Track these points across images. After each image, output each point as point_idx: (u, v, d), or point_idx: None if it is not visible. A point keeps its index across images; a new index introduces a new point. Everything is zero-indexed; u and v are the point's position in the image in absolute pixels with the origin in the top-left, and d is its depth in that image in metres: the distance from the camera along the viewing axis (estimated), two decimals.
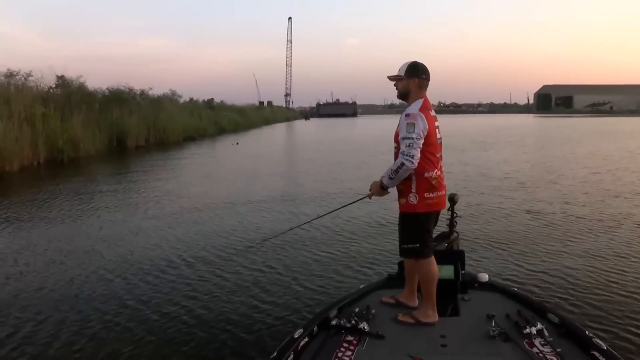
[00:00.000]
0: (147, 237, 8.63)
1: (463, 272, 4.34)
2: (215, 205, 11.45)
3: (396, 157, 3.67)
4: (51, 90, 25.79)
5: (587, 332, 3.36)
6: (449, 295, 4.10)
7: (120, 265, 7.07)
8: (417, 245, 3.71)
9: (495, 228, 8.97)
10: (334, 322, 3.59)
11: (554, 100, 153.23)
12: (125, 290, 6.09)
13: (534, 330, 3.35)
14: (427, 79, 3.80)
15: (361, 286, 4.66)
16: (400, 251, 3.88)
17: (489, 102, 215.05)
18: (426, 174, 3.64)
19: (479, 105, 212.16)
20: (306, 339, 3.40)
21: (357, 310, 3.76)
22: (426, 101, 3.73)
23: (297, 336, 3.38)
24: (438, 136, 3.74)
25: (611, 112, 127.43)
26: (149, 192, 13.37)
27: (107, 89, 31.48)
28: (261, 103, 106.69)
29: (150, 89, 37.26)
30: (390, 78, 3.87)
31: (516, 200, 11.49)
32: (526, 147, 27.13)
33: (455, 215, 5.44)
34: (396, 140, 3.71)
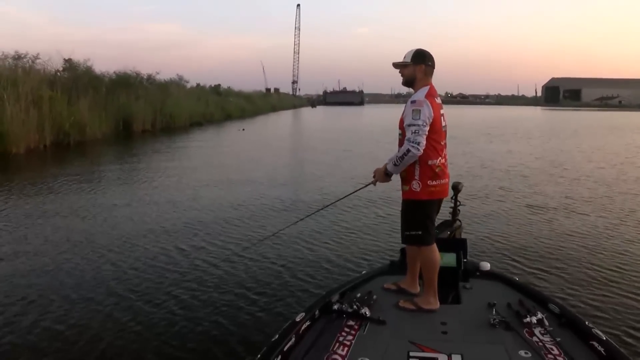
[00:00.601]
0: (144, 224, 8.54)
1: (465, 260, 4.35)
2: (218, 193, 11.45)
3: (400, 144, 3.68)
4: (58, 74, 25.78)
5: (586, 323, 3.37)
6: (451, 283, 4.11)
7: (113, 252, 6.99)
8: (420, 232, 3.72)
9: (498, 218, 9.01)
10: (335, 307, 3.61)
11: (562, 93, 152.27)
12: (114, 277, 6.02)
13: (534, 319, 3.36)
14: (433, 66, 3.79)
15: (363, 272, 4.69)
16: (402, 238, 3.89)
17: (497, 94, 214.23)
18: (430, 162, 3.64)
19: (487, 96, 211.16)
20: (308, 323, 3.43)
21: (359, 295, 3.78)
22: (432, 88, 3.72)
23: (299, 320, 3.40)
24: (443, 124, 3.74)
25: (620, 106, 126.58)
26: (152, 178, 13.37)
27: (114, 72, 31.53)
28: (268, 90, 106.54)
29: (157, 73, 37.24)
30: (396, 65, 3.86)
31: (520, 192, 11.50)
32: (532, 140, 27.03)
33: (458, 203, 5.45)
34: (401, 127, 3.72)
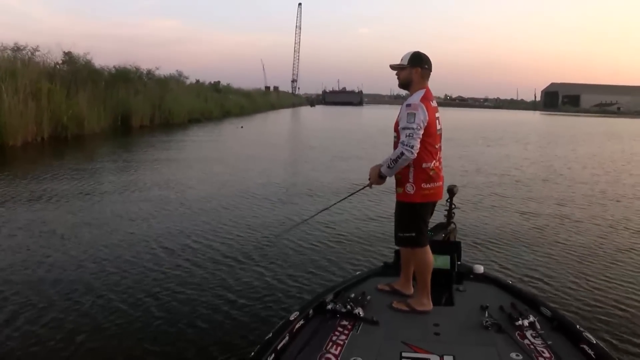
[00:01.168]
0: (133, 220, 8.43)
1: (459, 263, 4.38)
2: (213, 190, 11.39)
3: (395, 146, 3.70)
4: (58, 66, 25.70)
5: (577, 326, 3.40)
6: (444, 285, 4.14)
7: (100, 248, 6.89)
8: (413, 234, 3.74)
9: (492, 222, 9.04)
10: (329, 307, 3.63)
11: (561, 99, 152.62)
12: (94, 275, 5.94)
13: (526, 322, 3.39)
14: (430, 69, 3.81)
15: (357, 272, 4.71)
16: (396, 239, 3.91)
17: (496, 98, 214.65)
18: (424, 165, 3.66)
19: (485, 100, 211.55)
20: (301, 322, 3.45)
21: (352, 295, 3.81)
22: (428, 92, 3.74)
23: (292, 319, 3.43)
24: (438, 127, 3.76)
25: (618, 112, 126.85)
26: (146, 174, 13.33)
27: (113, 67, 31.44)
28: (267, 88, 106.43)
29: (157, 69, 37.10)
30: (393, 67, 3.87)
31: (515, 197, 11.51)
32: (529, 145, 27.01)
33: (453, 206, 5.47)
34: (396, 130, 3.74)
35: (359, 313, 3.53)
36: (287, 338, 3.22)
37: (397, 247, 4.18)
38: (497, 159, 19.10)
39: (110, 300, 5.28)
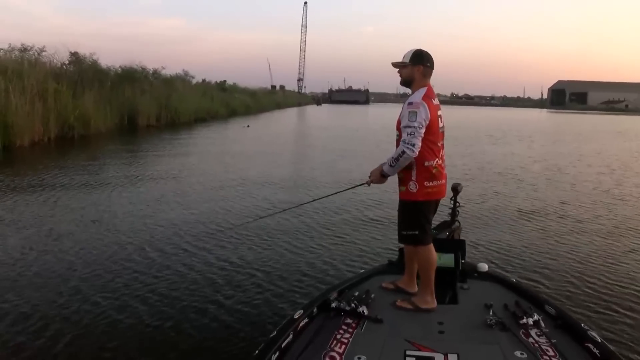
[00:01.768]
0: (140, 218, 8.46)
1: (463, 261, 4.38)
2: (217, 186, 11.48)
3: (397, 145, 3.70)
4: (64, 67, 25.79)
5: (582, 325, 3.39)
6: (449, 284, 4.14)
7: (101, 247, 6.90)
8: (416, 232, 3.75)
9: (497, 220, 9.04)
10: (333, 305, 3.64)
11: (568, 96, 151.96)
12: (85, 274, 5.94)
13: (530, 321, 3.39)
14: (432, 67, 3.80)
15: (361, 271, 4.72)
16: (399, 237, 3.93)
17: (502, 95, 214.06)
18: (426, 163, 3.66)
19: (492, 97, 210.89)
20: (306, 320, 3.46)
21: (357, 294, 3.81)
22: (429, 90, 3.74)
23: (297, 317, 3.43)
24: (440, 125, 3.76)
25: (626, 110, 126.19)
26: (154, 173, 13.35)
27: (119, 67, 31.49)
28: (273, 87, 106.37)
29: (163, 68, 37.14)
30: (395, 65, 3.87)
31: (520, 195, 11.49)
32: (535, 143, 26.87)
33: (457, 204, 5.46)
34: (398, 128, 3.74)
35: (363, 311, 3.54)
36: (291, 336, 3.22)
37: (401, 245, 4.19)
38: (502, 158, 19.04)
39: (121, 294, 5.34)
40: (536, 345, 3.16)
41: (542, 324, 3.38)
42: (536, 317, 3.42)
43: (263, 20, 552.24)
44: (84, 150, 18.67)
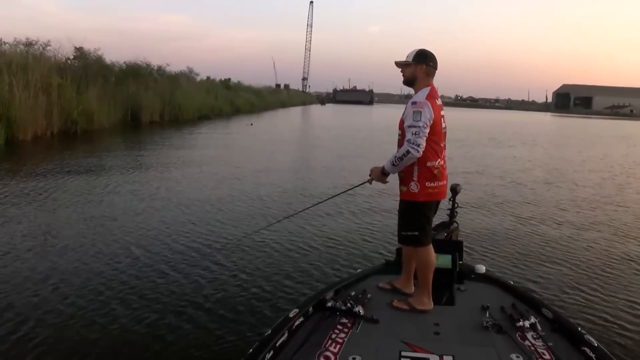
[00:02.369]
0: (141, 217, 8.40)
1: (461, 262, 4.36)
2: (219, 186, 11.41)
3: (400, 144, 3.68)
4: (68, 61, 25.87)
5: (579, 329, 3.38)
6: (445, 285, 4.13)
7: (107, 246, 6.86)
8: (416, 233, 3.73)
9: (495, 222, 9.03)
10: (329, 304, 3.62)
11: (572, 100, 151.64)
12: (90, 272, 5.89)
13: (527, 323, 3.37)
14: (435, 67, 3.79)
15: (358, 270, 4.70)
16: (399, 238, 3.91)
17: (507, 98, 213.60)
18: (429, 163, 3.64)
19: (496, 100, 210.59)
20: (301, 319, 3.44)
21: (353, 293, 3.80)
22: (433, 89, 3.72)
23: (292, 315, 3.42)
24: (443, 125, 3.74)
25: (631, 115, 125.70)
26: (155, 170, 13.34)
27: (124, 62, 31.64)
28: (278, 86, 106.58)
29: (168, 65, 37.34)
30: (398, 64, 3.85)
31: (519, 198, 11.46)
32: (538, 147, 26.75)
33: (456, 205, 5.45)
34: (401, 128, 3.72)
35: (359, 311, 3.52)
36: (286, 335, 3.21)
37: (398, 245, 4.17)
38: (504, 161, 18.98)
39: (116, 290, 5.31)
40: (532, 348, 3.14)
41: (539, 327, 3.36)
42: (533, 320, 3.41)
43: (269, 18, 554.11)
44: (86, 145, 18.69)
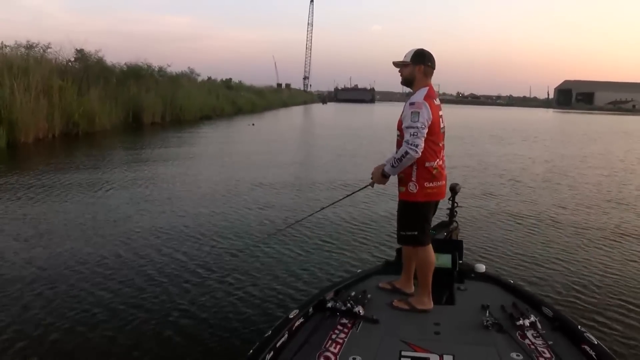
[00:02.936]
0: (143, 220, 8.39)
1: (460, 262, 4.37)
2: (221, 188, 11.38)
3: (399, 145, 3.69)
4: (69, 63, 25.85)
5: (579, 327, 3.38)
6: (446, 284, 4.13)
7: (110, 249, 6.86)
8: (415, 232, 3.73)
9: (495, 221, 9.01)
10: (329, 305, 3.63)
11: (574, 96, 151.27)
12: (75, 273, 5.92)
13: (527, 322, 3.37)
14: (433, 66, 3.79)
15: (358, 270, 4.70)
16: (398, 238, 3.91)
17: (508, 95, 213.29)
18: (427, 164, 3.64)
19: (498, 97, 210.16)
20: (301, 320, 3.45)
21: (353, 294, 3.80)
22: (431, 90, 3.72)
23: (292, 316, 3.42)
24: (441, 125, 3.74)
25: (634, 110, 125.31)
26: (158, 171, 13.37)
27: (125, 64, 31.61)
28: (279, 85, 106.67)
29: (169, 65, 37.22)
30: (396, 64, 3.86)
31: (519, 197, 11.45)
32: (539, 143, 26.58)
33: (456, 205, 5.44)
34: (399, 129, 3.73)
35: (359, 311, 3.52)
36: (286, 336, 3.22)
37: (399, 246, 4.17)
38: (504, 158, 18.93)
39: (107, 294, 5.30)
40: (532, 346, 3.15)
41: (539, 326, 3.37)
42: (533, 318, 3.41)
43: (269, 18, 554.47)
44: (87, 147, 18.69)
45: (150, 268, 6.14)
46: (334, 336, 3.27)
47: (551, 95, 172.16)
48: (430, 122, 3.58)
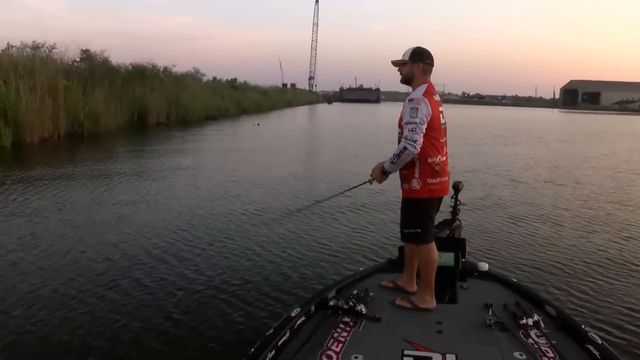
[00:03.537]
0: (149, 219, 8.39)
1: (463, 260, 4.35)
2: (223, 186, 11.44)
3: (399, 142, 3.66)
4: (75, 64, 26.00)
5: (583, 326, 3.34)
6: (448, 283, 4.11)
7: (113, 248, 6.87)
8: (419, 230, 3.71)
9: (498, 219, 8.99)
10: (331, 303, 3.61)
11: (580, 96, 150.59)
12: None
13: (530, 321, 3.35)
14: (431, 64, 3.78)
15: (361, 269, 4.68)
16: (401, 235, 3.89)
17: (514, 95, 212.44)
18: (429, 160, 3.62)
19: (503, 97, 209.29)
20: (303, 318, 3.43)
21: (355, 292, 3.79)
22: (430, 86, 3.71)
23: (294, 315, 3.41)
24: (442, 121, 3.73)
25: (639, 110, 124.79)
26: (163, 171, 13.40)
27: (130, 64, 31.72)
28: (284, 85, 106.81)
29: (174, 66, 37.40)
30: (394, 63, 3.86)
31: (523, 195, 11.42)
32: (543, 144, 26.39)
33: (458, 203, 5.42)
34: (400, 126, 3.71)
35: (361, 310, 3.51)
36: (287, 334, 3.20)
37: (401, 244, 4.16)
38: (508, 158, 18.88)
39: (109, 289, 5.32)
40: (536, 346, 3.12)
41: (542, 325, 3.34)
42: (536, 317, 3.39)
43: (274, 18, 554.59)
44: (92, 147, 18.74)
45: (152, 268, 6.14)
46: (335, 335, 3.25)
47: (557, 95, 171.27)
48: (429, 118, 3.57)
